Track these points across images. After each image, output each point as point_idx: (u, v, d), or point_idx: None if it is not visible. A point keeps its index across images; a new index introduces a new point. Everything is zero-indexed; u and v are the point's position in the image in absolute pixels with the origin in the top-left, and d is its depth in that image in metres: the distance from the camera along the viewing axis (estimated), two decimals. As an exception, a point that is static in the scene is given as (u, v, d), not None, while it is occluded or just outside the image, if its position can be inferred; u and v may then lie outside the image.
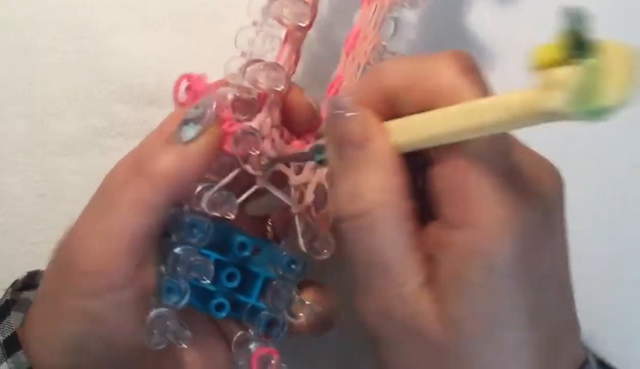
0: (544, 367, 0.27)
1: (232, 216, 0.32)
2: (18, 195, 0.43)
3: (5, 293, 0.34)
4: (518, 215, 0.26)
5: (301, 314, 0.34)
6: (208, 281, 0.31)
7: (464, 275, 0.27)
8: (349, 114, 0.29)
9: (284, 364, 0.33)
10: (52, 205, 0.43)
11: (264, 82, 0.32)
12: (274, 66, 0.33)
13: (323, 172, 0.33)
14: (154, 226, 0.31)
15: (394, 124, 0.29)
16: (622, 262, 0.43)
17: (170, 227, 0.32)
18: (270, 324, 0.34)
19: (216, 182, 0.32)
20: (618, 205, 0.43)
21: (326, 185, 0.33)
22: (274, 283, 0.34)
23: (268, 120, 0.33)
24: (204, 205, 0.31)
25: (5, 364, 0.31)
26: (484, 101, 0.26)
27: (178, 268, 0.31)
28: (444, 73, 0.27)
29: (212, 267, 0.32)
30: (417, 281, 0.27)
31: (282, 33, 0.34)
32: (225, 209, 0.32)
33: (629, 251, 0.43)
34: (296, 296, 0.34)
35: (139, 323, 0.31)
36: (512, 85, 0.25)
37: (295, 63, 0.35)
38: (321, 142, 0.30)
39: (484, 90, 0.28)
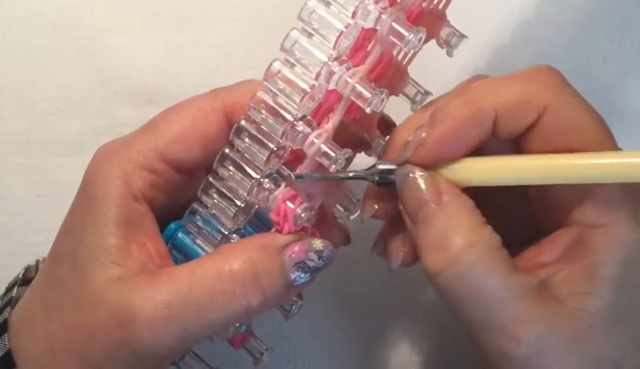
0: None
1: None
2: (18, 195, 0.43)
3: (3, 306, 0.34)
4: None
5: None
6: None
7: (604, 270, 0.29)
8: (413, 177, 0.30)
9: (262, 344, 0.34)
10: (52, 205, 0.43)
11: (367, 101, 0.30)
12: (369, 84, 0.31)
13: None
14: None
15: (476, 162, 0.30)
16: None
17: None
18: None
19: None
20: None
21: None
22: None
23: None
24: None
25: None
26: (608, 160, 0.28)
27: None
28: (550, 96, 0.29)
29: None
30: (531, 304, 0.29)
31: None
32: None
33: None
34: None
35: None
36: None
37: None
38: (382, 165, 0.31)
39: (590, 114, 0.29)
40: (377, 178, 0.31)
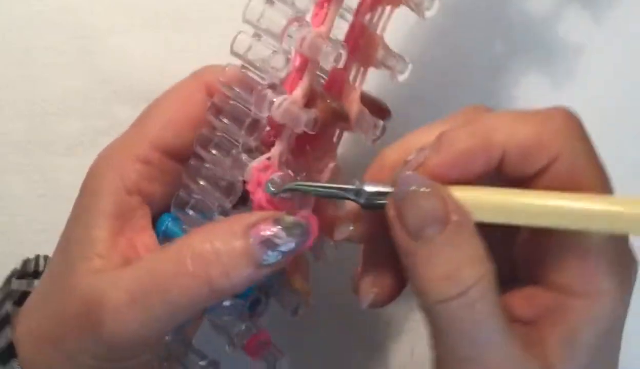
0: None
1: None
2: (18, 195, 0.43)
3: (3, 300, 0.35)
4: (628, 284, 0.28)
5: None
6: None
7: (582, 338, 0.28)
8: (423, 190, 0.28)
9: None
10: (52, 205, 0.43)
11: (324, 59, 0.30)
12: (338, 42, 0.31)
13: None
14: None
15: (481, 196, 0.28)
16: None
17: None
18: (254, 303, 0.34)
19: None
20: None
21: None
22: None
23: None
24: None
25: None
26: (601, 207, 0.27)
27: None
28: (564, 144, 0.28)
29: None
30: (518, 350, 0.28)
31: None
32: None
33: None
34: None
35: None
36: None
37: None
38: (371, 186, 0.29)
39: (599, 169, 0.29)
40: (363, 200, 0.29)
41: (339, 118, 0.33)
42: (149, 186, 0.33)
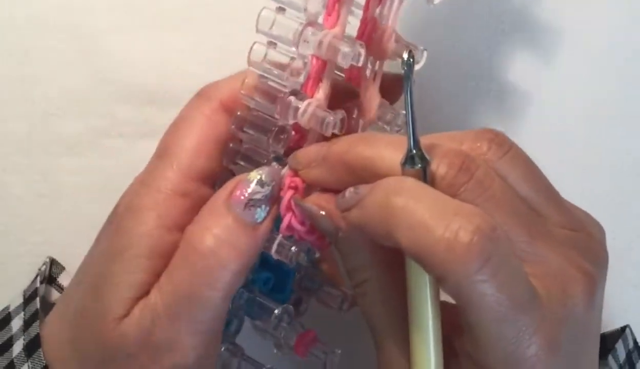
0: None
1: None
2: (18, 195, 0.43)
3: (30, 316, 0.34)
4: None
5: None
6: None
7: None
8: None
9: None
10: (52, 205, 0.43)
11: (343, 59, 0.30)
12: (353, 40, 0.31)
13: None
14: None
15: None
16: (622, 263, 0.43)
17: None
18: (296, 303, 0.35)
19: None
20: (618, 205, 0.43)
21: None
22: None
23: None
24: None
25: None
26: None
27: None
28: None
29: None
30: None
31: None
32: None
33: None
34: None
35: None
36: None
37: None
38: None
39: None
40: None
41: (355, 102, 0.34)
42: (188, 218, 0.32)
